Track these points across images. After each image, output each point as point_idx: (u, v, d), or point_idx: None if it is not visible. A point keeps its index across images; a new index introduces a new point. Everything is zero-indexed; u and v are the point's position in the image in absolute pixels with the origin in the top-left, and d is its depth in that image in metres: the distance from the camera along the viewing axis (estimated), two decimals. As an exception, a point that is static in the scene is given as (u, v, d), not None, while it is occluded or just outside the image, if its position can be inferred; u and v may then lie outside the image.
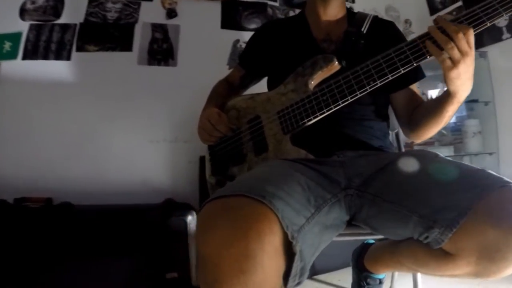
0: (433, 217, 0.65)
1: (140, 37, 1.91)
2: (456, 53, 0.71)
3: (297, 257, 0.61)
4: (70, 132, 1.80)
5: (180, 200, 1.72)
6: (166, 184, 1.85)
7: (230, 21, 2.05)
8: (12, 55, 1.81)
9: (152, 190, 1.80)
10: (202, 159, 1.70)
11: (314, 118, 0.86)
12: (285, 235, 0.59)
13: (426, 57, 0.77)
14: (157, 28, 1.93)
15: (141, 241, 1.43)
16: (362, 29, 1.00)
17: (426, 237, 0.67)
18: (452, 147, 2.26)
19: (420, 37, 0.78)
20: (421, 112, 0.94)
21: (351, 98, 0.83)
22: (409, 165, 0.79)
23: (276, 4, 2.17)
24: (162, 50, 1.95)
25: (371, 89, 0.81)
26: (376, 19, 1.06)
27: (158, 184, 1.84)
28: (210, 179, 1.07)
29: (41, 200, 1.59)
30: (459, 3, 2.51)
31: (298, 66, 0.93)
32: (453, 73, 0.73)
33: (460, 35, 0.70)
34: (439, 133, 2.29)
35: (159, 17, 1.93)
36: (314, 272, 1.80)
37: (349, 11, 1.09)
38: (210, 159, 1.08)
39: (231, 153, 0.99)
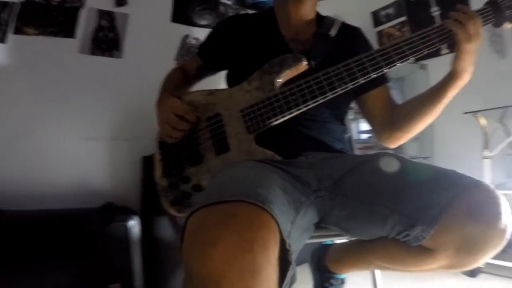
0: (415, 215, 0.68)
1: (85, 23, 1.75)
2: (472, 28, 0.78)
3: (293, 265, 0.58)
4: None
5: (120, 203, 1.61)
6: (105, 187, 1.73)
7: (181, 15, 1.98)
8: None
9: (91, 193, 1.68)
10: (145, 159, 1.63)
11: (282, 117, 0.83)
12: (281, 243, 0.55)
13: (395, 65, 0.81)
14: (104, 15, 1.80)
15: (80, 250, 1.30)
16: (330, 33, 1.01)
17: (406, 235, 0.70)
18: (391, 151, 2.41)
19: (391, 45, 0.82)
20: (409, 109, 0.96)
21: (322, 99, 0.82)
22: (381, 166, 0.81)
23: (229, 2, 2.15)
24: (107, 40, 1.82)
25: (342, 91, 0.82)
26: (344, 25, 1.08)
27: (97, 186, 1.71)
28: (161, 181, 0.98)
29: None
30: (404, 18, 2.71)
31: (263, 63, 0.90)
32: (468, 46, 0.79)
33: (478, 17, 0.80)
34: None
35: (107, 3, 1.80)
36: None
37: (318, 14, 1.10)
38: (162, 159, 0.99)
39: (187, 153, 0.92)
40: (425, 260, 0.71)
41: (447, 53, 2.31)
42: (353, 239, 0.93)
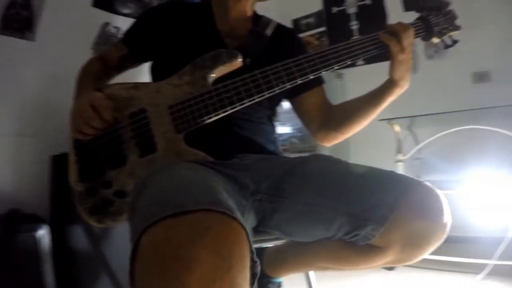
0: (364, 215, 0.71)
1: None
2: (406, 40, 0.84)
3: (257, 277, 0.53)
4: None
5: (27, 210, 1.42)
6: (8, 191, 1.51)
7: (102, 0, 1.84)
8: None
9: None
10: (55, 158, 1.46)
11: (215, 115, 0.80)
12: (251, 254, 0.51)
13: (333, 67, 0.86)
14: None
15: None
16: (266, 32, 1.02)
17: (355, 235, 0.73)
18: (306, 155, 2.57)
19: (331, 48, 0.86)
20: (347, 110, 1.00)
21: (258, 97, 0.81)
22: (321, 168, 0.83)
23: None
24: (19, 18, 1.62)
25: (279, 91, 0.83)
26: (280, 26, 1.10)
27: None
28: (77, 186, 0.88)
29: None
30: (323, 28, 2.86)
31: (195, 56, 0.86)
32: (401, 57, 0.85)
33: (411, 30, 0.86)
34: (291, 141, 2.67)
35: None
36: None
37: (256, 13, 1.10)
38: (78, 160, 0.89)
39: (107, 153, 0.84)
40: (374, 258, 0.75)
41: (363, 64, 2.54)
42: (290, 241, 0.92)
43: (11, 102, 1.55)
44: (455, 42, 1.04)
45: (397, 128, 1.97)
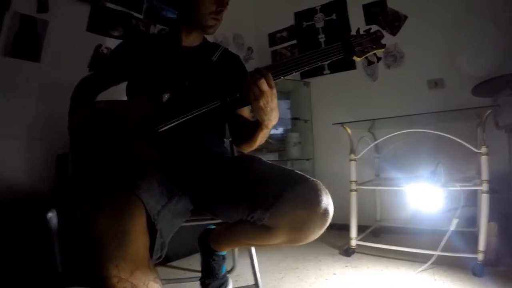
0: (257, 202, 0.85)
1: (8, 26, 1.72)
2: (256, 91, 0.88)
3: (158, 234, 0.78)
4: None
5: (38, 197, 1.67)
6: (23, 182, 1.74)
7: (96, 25, 2.03)
8: None
9: (9, 189, 1.68)
10: (59, 157, 1.70)
11: (166, 126, 0.95)
12: (149, 218, 0.76)
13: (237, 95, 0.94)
14: (27, 20, 1.79)
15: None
16: (213, 57, 1.18)
17: (252, 217, 0.87)
18: (277, 153, 2.76)
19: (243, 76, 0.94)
20: (243, 132, 1.14)
21: (190, 114, 0.94)
22: (238, 166, 1.02)
23: (141, 16, 2.25)
24: (27, 44, 1.81)
25: (212, 107, 0.94)
26: (226, 51, 1.24)
27: (15, 182, 1.72)
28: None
29: None
30: (294, 41, 3.04)
31: (157, 77, 1.08)
32: (255, 105, 0.91)
33: (262, 79, 0.87)
34: (267, 141, 2.79)
35: (30, 9, 1.80)
36: (167, 260, 2.02)
37: (206, 40, 1.25)
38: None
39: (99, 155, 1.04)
40: (269, 236, 0.87)
41: (328, 74, 2.80)
42: (227, 223, 1.09)
43: (24, 113, 1.76)
44: (379, 59, 1.07)
45: (349, 130, 2.08)
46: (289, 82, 2.91)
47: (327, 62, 0.99)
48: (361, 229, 2.19)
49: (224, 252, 1.26)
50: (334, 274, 1.77)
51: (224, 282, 1.30)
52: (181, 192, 0.95)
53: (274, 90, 0.91)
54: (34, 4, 1.83)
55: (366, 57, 1.06)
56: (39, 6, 1.85)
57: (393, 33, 2.54)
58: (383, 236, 2.43)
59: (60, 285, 1.43)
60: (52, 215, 1.43)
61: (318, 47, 0.99)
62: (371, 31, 1.07)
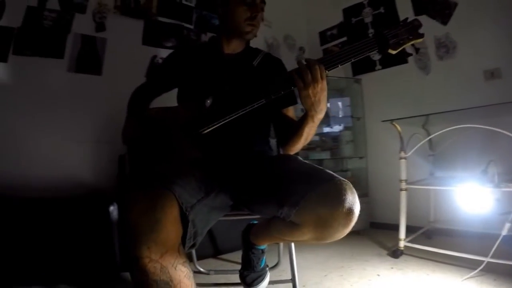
0: (284, 199, 0.88)
1: (71, 46, 1.98)
2: (309, 77, 0.93)
3: (190, 224, 0.85)
4: (2, 130, 1.81)
5: (102, 193, 1.86)
6: (90, 179, 1.96)
7: (150, 38, 2.22)
8: None
9: (78, 185, 1.90)
10: (121, 157, 1.84)
11: (208, 128, 1.02)
12: (182, 209, 0.84)
13: (291, 87, 0.97)
14: (87, 39, 2.02)
15: (69, 230, 1.54)
16: (254, 62, 1.22)
17: (281, 213, 0.90)
18: (329, 152, 2.73)
19: (290, 71, 0.98)
20: (288, 131, 1.16)
21: (229, 117, 0.99)
22: (273, 165, 1.06)
23: (191, 27, 2.40)
24: (89, 60, 2.03)
25: (251, 108, 0.98)
26: (268, 56, 1.28)
27: (83, 179, 1.94)
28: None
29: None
30: (345, 38, 2.99)
31: (202, 84, 1.15)
32: (303, 93, 0.95)
33: (316, 66, 0.93)
34: (321, 140, 2.81)
35: (89, 29, 2.04)
36: (218, 252, 2.13)
37: (248, 46, 1.29)
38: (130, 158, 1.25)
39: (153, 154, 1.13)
40: (296, 232, 0.89)
41: (380, 69, 2.71)
42: (266, 218, 1.11)
43: (90, 119, 1.99)
44: (417, 50, 1.05)
45: (399, 128, 1.99)
46: (342, 80, 2.88)
47: (361, 57, 0.98)
48: (413, 229, 2.09)
49: (263, 246, 1.29)
50: (378, 275, 1.73)
51: (262, 275, 1.33)
52: (220, 188, 1.01)
53: (325, 82, 0.94)
54: (93, 25, 2.06)
55: (403, 49, 1.04)
56: (97, 26, 2.07)
57: (444, 22, 2.37)
58: (436, 238, 2.30)
59: (117, 270, 1.60)
60: (113, 208, 1.61)
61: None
62: (408, 20, 1.05)
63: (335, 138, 2.81)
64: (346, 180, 0.86)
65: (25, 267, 1.54)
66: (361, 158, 2.79)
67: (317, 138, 2.80)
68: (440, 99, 2.34)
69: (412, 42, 1.03)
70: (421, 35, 1.03)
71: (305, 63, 0.96)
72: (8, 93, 1.85)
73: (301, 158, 1.09)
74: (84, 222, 1.58)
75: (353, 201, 0.81)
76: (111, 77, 2.08)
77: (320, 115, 1.01)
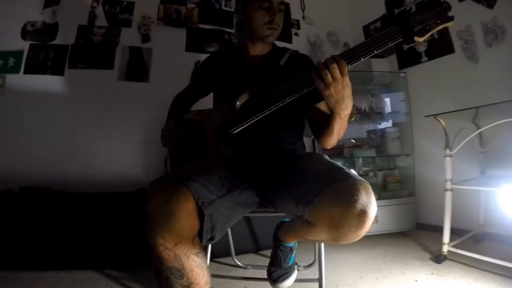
0: (300, 198, 0.90)
1: (120, 57, 2.17)
2: (328, 77, 0.91)
3: (206, 218, 0.89)
4: (63, 135, 2.05)
5: None
6: (140, 177, 2.12)
7: (193, 45, 2.34)
8: (15, 70, 2.08)
9: (129, 182, 2.05)
10: (167, 157, 1.88)
11: (238, 128, 1.07)
12: (198, 204, 0.88)
13: (314, 85, 0.95)
14: (134, 50, 2.20)
15: (119, 224, 1.69)
16: (281, 62, 1.24)
17: (298, 212, 0.91)
18: (374, 150, 2.63)
19: (311, 73, 0.96)
20: (321, 126, 1.15)
21: (255, 117, 1.03)
22: (297, 163, 1.09)
23: (232, 31, 2.48)
24: (137, 69, 2.20)
25: (277, 107, 1.01)
26: (295, 53, 1.29)
27: (134, 176, 2.10)
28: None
29: (42, 188, 1.87)
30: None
31: (231, 87, 1.16)
32: (326, 92, 0.93)
33: (334, 65, 0.90)
34: (369, 137, 2.74)
35: (136, 41, 2.22)
36: (258, 248, 2.21)
37: (275, 46, 1.32)
38: (170, 157, 1.38)
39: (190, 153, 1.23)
40: (312, 231, 0.91)
41: (426, 61, 2.56)
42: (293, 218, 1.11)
43: (140, 122, 2.16)
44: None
45: (443, 123, 1.87)
46: (388, 75, 2.76)
47: (385, 48, 0.93)
48: (461, 232, 1.97)
49: (291, 244, 1.29)
50: (416, 281, 1.64)
51: (288, 273, 1.32)
52: (246, 185, 1.06)
53: (346, 78, 0.92)
54: (138, 37, 2.24)
55: (432, 35, 0.95)
56: (143, 38, 2.24)
57: (490, 5, 2.14)
58: (484, 243, 2.11)
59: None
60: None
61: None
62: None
63: (382, 135, 2.71)
64: (363, 180, 0.84)
65: (80, 253, 1.73)
66: (408, 155, 2.67)
67: (364, 135, 2.74)
68: (491, 89, 2.13)
69: (441, 27, 0.94)
70: (451, 18, 0.94)
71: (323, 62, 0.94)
72: (66, 103, 2.08)
73: (326, 157, 1.10)
74: (133, 215, 1.71)
75: (367, 202, 0.79)
76: (157, 83, 2.24)
77: (347, 111, 0.99)
